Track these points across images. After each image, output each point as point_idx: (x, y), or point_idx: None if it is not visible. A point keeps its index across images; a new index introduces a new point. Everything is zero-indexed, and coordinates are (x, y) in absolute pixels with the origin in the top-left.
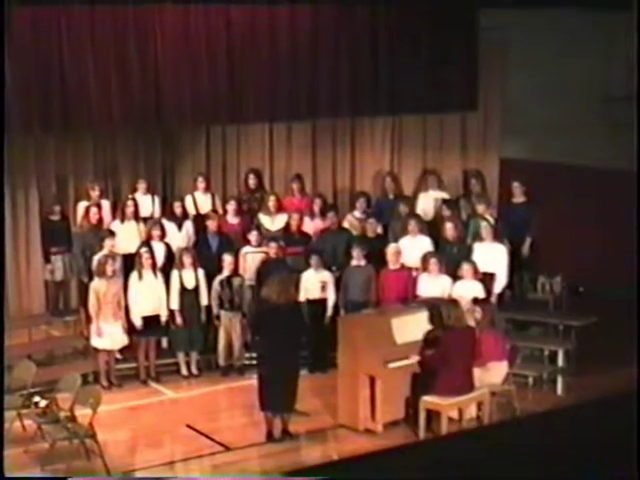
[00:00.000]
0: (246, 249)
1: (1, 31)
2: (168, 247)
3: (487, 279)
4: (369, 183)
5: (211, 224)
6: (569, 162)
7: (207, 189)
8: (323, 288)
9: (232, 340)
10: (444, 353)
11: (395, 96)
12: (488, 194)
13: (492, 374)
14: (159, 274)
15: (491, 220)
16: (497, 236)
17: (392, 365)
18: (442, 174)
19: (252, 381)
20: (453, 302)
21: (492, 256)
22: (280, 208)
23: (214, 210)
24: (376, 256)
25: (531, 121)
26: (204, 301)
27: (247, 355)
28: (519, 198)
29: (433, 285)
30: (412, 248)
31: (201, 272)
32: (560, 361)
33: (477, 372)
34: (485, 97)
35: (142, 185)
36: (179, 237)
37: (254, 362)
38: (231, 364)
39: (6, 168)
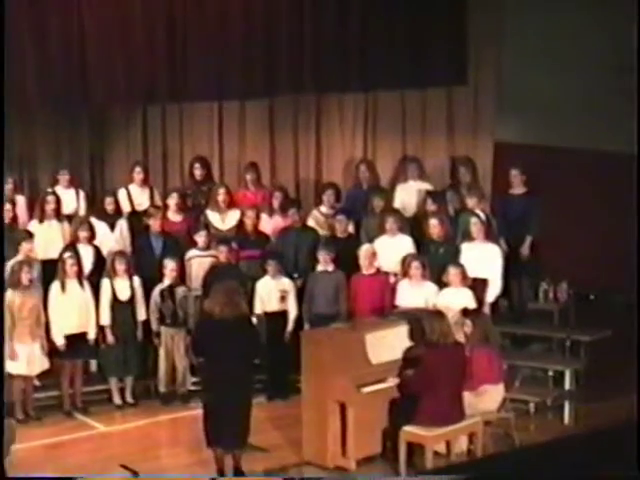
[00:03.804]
0: (191, 253)
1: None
2: (97, 251)
3: (479, 286)
4: (338, 172)
5: (154, 223)
6: (576, 146)
7: (145, 181)
8: (283, 298)
9: (175, 362)
10: (428, 375)
11: (369, 69)
12: (480, 184)
13: (486, 399)
14: (86, 283)
15: (483, 216)
16: (491, 234)
17: (366, 390)
18: (425, 161)
19: (199, 411)
20: (438, 314)
21: (485, 258)
22: (232, 203)
23: (155, 206)
24: (347, 259)
25: (532, 98)
26: (141, 315)
27: (193, 380)
28: (518, 189)
29: (415, 293)
30: (390, 249)
31: (137, 280)
32: (567, 384)
33: (468, 397)
34: (476, 70)
35: (65, 177)
36: (111, 239)
37: (201, 388)
38: (174, 391)
39: None
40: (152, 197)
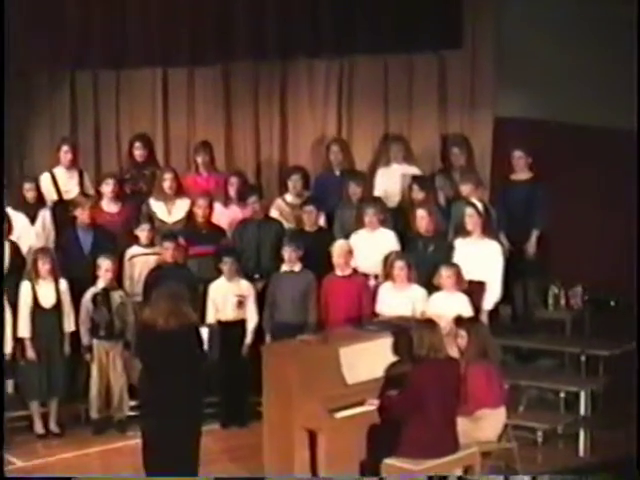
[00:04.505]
0: (132, 250)
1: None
2: (15, 247)
3: (476, 290)
4: (307, 154)
5: (82, 214)
6: (592, 124)
7: (73, 163)
8: (240, 304)
9: (110, 382)
10: (415, 396)
11: (344, 28)
12: (477, 168)
13: (484, 426)
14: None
15: (480, 206)
16: (489, 228)
17: (341, 414)
18: (411, 140)
19: (138, 441)
20: (428, 323)
21: (483, 257)
22: (179, 190)
23: (84, 193)
24: (317, 257)
25: (539, 63)
26: (69, 326)
27: (132, 404)
28: (522, 174)
29: (399, 299)
30: (369, 246)
31: (64, 283)
32: (582, 408)
33: (463, 423)
34: (473, 31)
35: None
36: (31, 233)
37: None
38: (108, 417)
39: None
40: (82, 183)
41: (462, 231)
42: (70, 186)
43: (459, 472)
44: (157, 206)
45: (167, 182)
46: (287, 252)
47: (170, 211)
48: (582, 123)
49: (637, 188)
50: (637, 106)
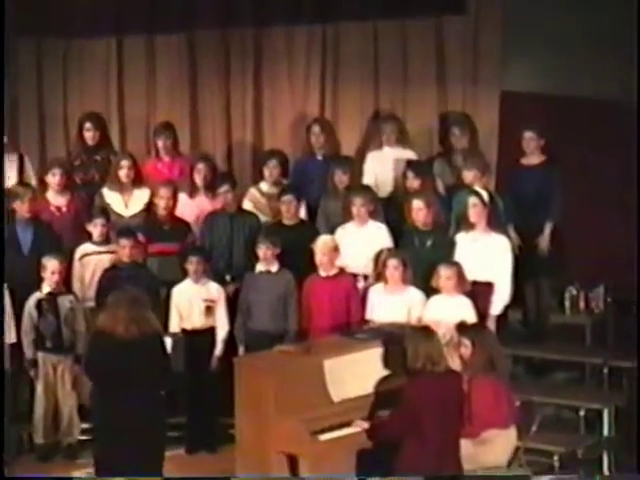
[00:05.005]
0: (83, 248)
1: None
2: None
3: (481, 292)
4: (285, 135)
5: (20, 207)
6: (611, 98)
7: (12, 148)
8: (209, 310)
9: (58, 402)
10: (411, 416)
11: None
12: (481, 151)
13: (492, 449)
14: None
15: (486, 195)
16: (496, 221)
17: (324, 437)
18: (406, 120)
19: (90, 469)
20: (425, 331)
21: (489, 254)
22: (138, 179)
23: (24, 182)
24: (297, 255)
25: (554, 33)
26: (9, 337)
27: (84, 426)
28: (534, 157)
29: (393, 303)
30: (357, 242)
31: (2, 288)
32: (606, 427)
33: (467, 446)
34: None
35: None
36: None
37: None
38: (56, 442)
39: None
40: (22, 170)
41: (465, 224)
42: (8, 174)
43: None
44: (112, 197)
45: (123, 169)
46: (263, 249)
47: (127, 203)
48: (606, 98)
49: None
50: None
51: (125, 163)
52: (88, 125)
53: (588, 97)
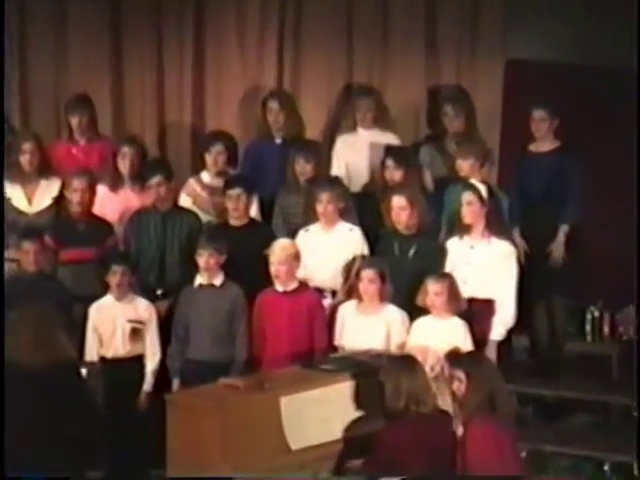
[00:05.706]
0: None
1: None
2: None
3: (478, 312)
4: (233, 114)
5: None
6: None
7: None
8: (135, 333)
9: None
10: (388, 468)
11: None
12: (480, 136)
13: None
14: None
15: (484, 189)
16: (498, 223)
17: None
18: (385, 94)
19: None
20: (408, 361)
21: (488, 264)
22: (45, 167)
23: None
24: (247, 265)
25: None
26: None
27: None
28: (546, 143)
29: (367, 325)
30: (323, 248)
31: None
32: None
33: None
34: None
35: None
36: None
37: None
38: None
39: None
40: None
41: (458, 227)
42: None
43: None
44: (12, 190)
45: (26, 155)
46: (204, 257)
47: (31, 197)
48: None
49: None
50: None
51: (27, 146)
52: None
53: (620, 66)
